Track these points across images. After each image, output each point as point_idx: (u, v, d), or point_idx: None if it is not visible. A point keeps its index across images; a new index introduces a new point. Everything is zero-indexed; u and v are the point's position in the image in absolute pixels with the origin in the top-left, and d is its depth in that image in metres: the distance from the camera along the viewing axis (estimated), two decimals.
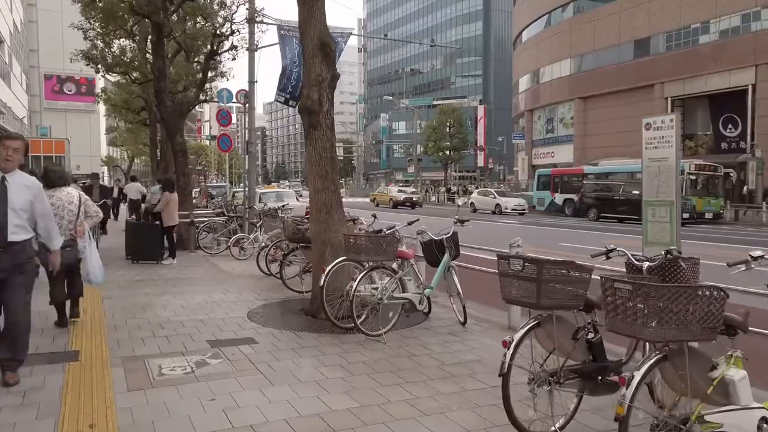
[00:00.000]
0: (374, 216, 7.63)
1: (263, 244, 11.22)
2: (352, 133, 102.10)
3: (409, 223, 6.42)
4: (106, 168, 59.61)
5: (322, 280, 5.51)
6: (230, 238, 11.94)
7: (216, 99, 20.65)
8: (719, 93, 32.84)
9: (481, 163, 72.61)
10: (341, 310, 5.63)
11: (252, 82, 14.53)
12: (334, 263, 5.65)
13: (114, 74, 18.15)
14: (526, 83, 52.34)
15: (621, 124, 38.66)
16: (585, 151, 41.53)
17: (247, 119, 15.29)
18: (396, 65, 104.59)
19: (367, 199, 43.31)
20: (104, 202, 11.39)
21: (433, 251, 5.87)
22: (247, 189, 14.81)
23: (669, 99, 35.87)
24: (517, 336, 3.06)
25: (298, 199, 20.48)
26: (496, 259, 3.31)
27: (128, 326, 5.66)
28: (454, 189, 47.30)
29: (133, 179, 21.35)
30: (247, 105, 17.92)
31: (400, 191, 39.83)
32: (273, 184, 72.41)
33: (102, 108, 38.36)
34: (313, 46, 6.29)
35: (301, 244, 7.62)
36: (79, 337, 5.24)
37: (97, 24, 13.29)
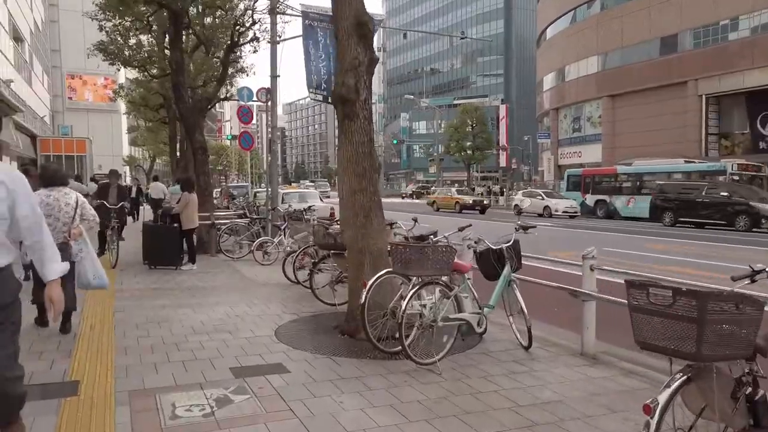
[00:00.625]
0: (415, 220, 6.80)
1: (289, 249, 10.52)
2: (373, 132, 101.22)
3: (460, 229, 5.59)
4: (128, 168, 59.71)
5: (363, 297, 4.70)
6: (253, 242, 11.24)
7: (236, 97, 20.07)
8: (758, 90, 31.37)
9: (503, 163, 71.27)
10: (383, 330, 4.83)
11: (274, 76, 13.80)
12: (376, 277, 4.83)
13: (132, 69, 17.61)
14: (551, 81, 51.09)
15: (651, 123, 37.35)
16: (614, 150, 40.23)
17: (269, 116, 14.57)
18: (415, 64, 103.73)
19: (393, 200, 42.21)
20: (122, 206, 10.26)
21: (491, 263, 5.02)
22: (269, 189, 14.11)
23: (704, 96, 34.47)
24: (662, 398, 2.21)
25: (322, 200, 19.76)
26: (590, 277, 2.45)
27: (140, 347, 4.92)
28: (478, 190, 46.07)
29: (156, 179, 20.88)
30: (269, 102, 17.30)
31: (464, 192, 35.98)
32: (293, 184, 71.98)
33: (123, 107, 38.11)
34: (348, 25, 5.48)
35: (333, 251, 6.82)
36: (82, 360, 4.50)
37: (111, 14, 12.67)
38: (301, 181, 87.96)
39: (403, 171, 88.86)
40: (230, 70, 16.73)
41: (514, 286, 5.07)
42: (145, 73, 16.51)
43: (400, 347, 4.64)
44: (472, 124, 54.76)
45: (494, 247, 5.04)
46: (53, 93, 49.01)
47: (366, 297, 4.69)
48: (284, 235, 10.67)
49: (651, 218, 24.17)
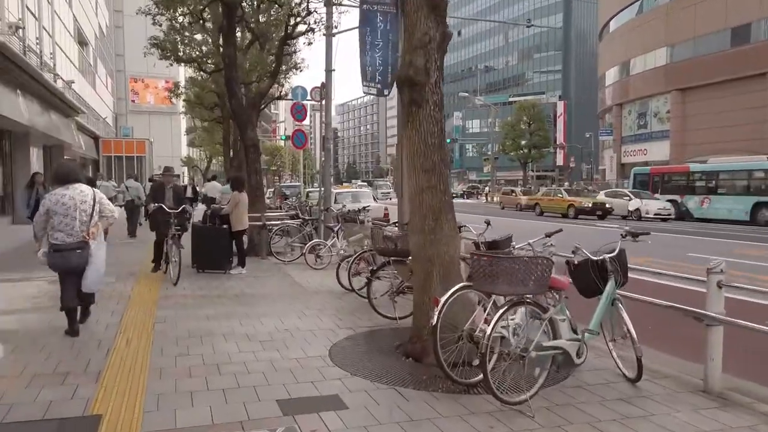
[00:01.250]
0: (487, 223, 5.94)
1: (342, 253, 9.86)
2: None
3: (548, 235, 4.70)
4: (186, 168, 61.11)
5: (435, 317, 3.90)
6: (305, 244, 10.64)
7: (290, 96, 19.71)
8: None
9: (560, 161, 68.94)
10: (457, 355, 4.03)
11: (329, 71, 13.16)
12: (451, 293, 4.03)
13: (187, 66, 17.48)
14: (614, 76, 48.67)
15: (727, 118, 34.75)
16: (684, 147, 37.76)
17: (323, 114, 13.95)
18: (469, 62, 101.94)
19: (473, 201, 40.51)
20: (183, 210, 8.52)
21: (591, 277, 4.12)
22: (322, 189, 13.49)
23: None
24: None
25: (376, 200, 19.10)
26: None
27: (177, 368, 4.29)
28: (515, 189, 44.21)
29: (214, 178, 20.79)
30: (323, 101, 16.74)
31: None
32: (344, 184, 71.82)
33: (180, 107, 38.82)
34: None
35: (393, 258, 6.06)
36: (110, 385, 3.90)
37: (165, 8, 12.38)
38: (353, 181, 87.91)
39: (456, 170, 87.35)
40: (283, 66, 16.32)
41: (619, 305, 4.15)
42: (200, 71, 16.29)
43: (477, 377, 3.85)
44: (529, 121, 52.99)
45: (595, 258, 4.13)
46: (117, 96, 50.64)
47: (438, 318, 3.90)
48: (338, 238, 10.01)
49: (751, 220, 22.21)
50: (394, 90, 8.73)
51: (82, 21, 30.38)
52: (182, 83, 23.41)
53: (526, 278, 3.52)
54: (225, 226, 9.28)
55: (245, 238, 10.08)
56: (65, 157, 22.53)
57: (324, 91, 13.25)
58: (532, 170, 65.53)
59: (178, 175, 10.95)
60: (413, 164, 4.82)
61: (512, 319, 3.82)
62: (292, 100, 20.13)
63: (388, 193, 46.96)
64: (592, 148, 57.82)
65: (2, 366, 4.25)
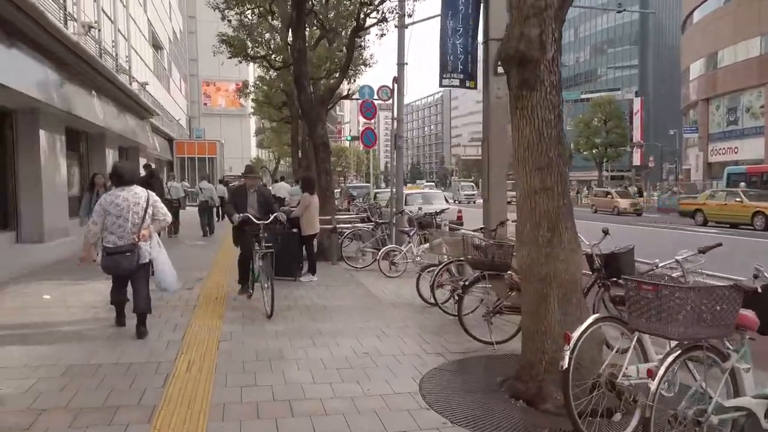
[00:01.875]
0: (605, 232, 4.96)
1: (418, 259, 9.06)
2: None
3: (702, 251, 3.69)
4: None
5: (567, 359, 3.01)
6: (377, 249, 9.92)
7: (357, 96, 19.19)
8: None
9: (636, 161, 65.19)
10: (587, 404, 3.12)
11: (401, 64, 12.39)
12: (585, 326, 3.12)
13: (255, 64, 17.25)
14: (699, 69, 45.29)
15: None
16: None
17: (395, 110, 13.19)
18: None
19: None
20: (275, 219, 6.69)
21: None
22: (393, 190, 12.73)
23: None
24: None
25: (448, 202, 18.19)
26: None
27: (242, 405, 3.60)
28: (611, 191, 41.76)
29: (282, 179, 20.61)
30: (388, 100, 16.03)
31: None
32: (408, 185, 70.88)
33: (249, 108, 39.34)
34: None
35: (489, 272, 5.18)
36: (165, 427, 3.25)
37: (234, 3, 12.03)
38: (417, 181, 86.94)
39: None
40: (351, 67, 15.78)
41: None
42: (268, 69, 15.99)
43: None
44: (604, 119, 50.34)
45: None
46: (190, 99, 52.21)
47: (571, 360, 3.00)
48: (414, 243, 9.21)
49: None
50: (457, 90, 7.82)
51: (157, 25, 31.18)
52: (251, 82, 23.38)
53: (707, 315, 2.56)
54: (294, 230, 8.68)
55: (315, 243, 9.47)
56: (141, 158, 23.01)
57: (396, 85, 12.49)
58: (607, 170, 62.37)
59: (261, 177, 9.80)
60: (524, 161, 3.93)
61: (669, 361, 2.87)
62: (358, 99, 19.64)
63: (473, 195, 44.63)
64: (677, 146, 54.09)
65: (50, 394, 3.71)
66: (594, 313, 4.09)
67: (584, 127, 50.92)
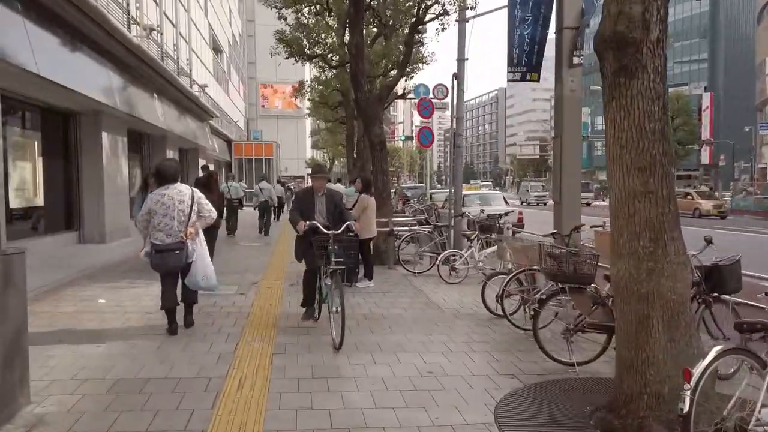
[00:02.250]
0: (708, 241, 4.33)
1: (480, 264, 8.54)
2: (545, 131, 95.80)
3: None
4: (310, 170, 63.00)
5: (687, 401, 2.47)
6: (436, 253, 9.44)
7: (412, 95, 18.77)
8: None
9: (705, 159, 61.63)
10: None
11: (461, 60, 11.87)
12: (709, 360, 2.57)
13: (311, 63, 17.12)
14: None
15: None
16: None
17: (454, 108, 12.66)
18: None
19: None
20: (347, 229, 5.82)
21: None
22: (452, 191, 12.19)
23: None
24: None
25: (507, 202, 17.49)
26: None
27: None
28: (690, 191, 39.12)
29: (339, 181, 20.47)
30: (444, 99, 15.50)
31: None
32: (470, 183, 69.69)
33: (305, 109, 39.63)
34: None
35: (570, 285, 4.63)
36: None
37: (291, 1, 11.85)
38: (471, 182, 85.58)
39: (584, 170, 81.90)
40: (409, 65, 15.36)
41: None
42: (324, 68, 15.81)
43: None
44: (671, 116, 47.85)
45: None
46: (248, 101, 53.22)
47: (693, 402, 2.46)
48: (476, 248, 8.69)
49: None
50: (514, 88, 7.20)
51: (217, 29, 31.79)
52: (307, 82, 23.38)
53: None
54: (351, 234, 8.32)
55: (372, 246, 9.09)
56: (200, 159, 23.40)
57: (456, 82, 11.96)
58: (673, 169, 59.27)
59: (330, 178, 8.79)
60: (620, 159, 3.39)
61: None
62: (413, 98, 19.23)
63: (543, 197, 42.73)
64: (752, 144, 50.77)
65: (93, 415, 3.45)
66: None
67: None
